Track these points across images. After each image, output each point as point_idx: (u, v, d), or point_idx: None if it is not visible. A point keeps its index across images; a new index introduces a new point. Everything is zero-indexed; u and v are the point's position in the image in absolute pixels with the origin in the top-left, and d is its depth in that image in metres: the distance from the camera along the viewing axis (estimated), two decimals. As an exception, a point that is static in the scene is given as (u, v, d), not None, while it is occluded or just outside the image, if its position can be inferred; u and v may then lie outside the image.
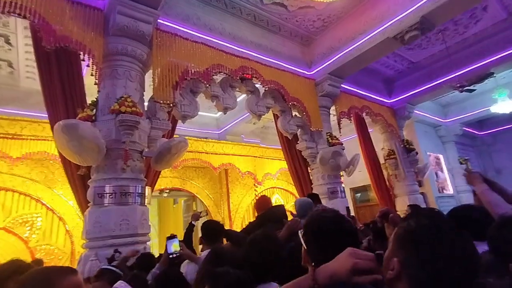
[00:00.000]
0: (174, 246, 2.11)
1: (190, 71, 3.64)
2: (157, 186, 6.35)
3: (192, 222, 2.96)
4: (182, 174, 6.74)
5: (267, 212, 2.87)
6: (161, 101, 3.32)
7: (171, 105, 3.41)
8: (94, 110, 3.03)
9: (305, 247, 1.01)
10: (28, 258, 4.49)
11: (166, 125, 3.46)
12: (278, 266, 1.49)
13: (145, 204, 3.13)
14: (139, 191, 2.97)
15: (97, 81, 2.93)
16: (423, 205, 6.56)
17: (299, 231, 1.08)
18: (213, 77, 4.05)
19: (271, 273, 1.48)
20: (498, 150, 10.50)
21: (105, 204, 2.72)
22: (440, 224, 0.74)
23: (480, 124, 10.24)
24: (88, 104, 3.08)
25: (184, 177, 6.77)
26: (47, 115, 3.21)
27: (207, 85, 3.90)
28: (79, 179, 3.05)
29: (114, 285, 1.58)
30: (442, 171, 8.36)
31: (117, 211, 2.71)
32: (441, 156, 8.53)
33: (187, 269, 2.18)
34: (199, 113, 7.14)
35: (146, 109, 3.42)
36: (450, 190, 8.22)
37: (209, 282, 1.28)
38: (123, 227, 2.68)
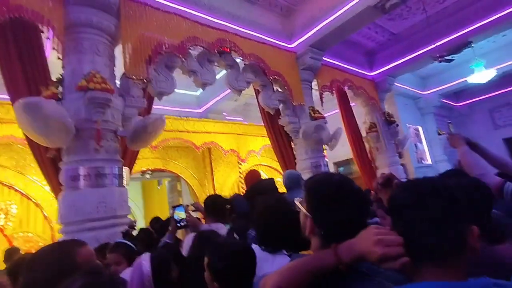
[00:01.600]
0: (180, 214, 2.26)
1: (164, 45, 3.42)
2: (138, 168, 6.21)
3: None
4: (164, 154, 6.59)
5: (255, 185, 2.83)
6: (134, 77, 3.12)
7: (145, 81, 3.22)
8: (60, 88, 2.82)
9: (310, 216, 0.90)
10: (5, 247, 4.34)
11: (141, 103, 3.27)
12: (291, 234, 1.38)
13: (124, 185, 3.02)
14: (116, 172, 2.85)
15: (60, 56, 2.70)
16: (403, 176, 6.78)
17: (296, 199, 0.99)
18: (190, 51, 3.85)
19: (284, 242, 1.41)
20: (474, 120, 10.87)
21: (79, 187, 2.59)
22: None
23: (456, 95, 10.50)
24: (52, 82, 2.84)
25: (166, 157, 6.62)
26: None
27: (183, 60, 3.70)
28: (49, 162, 2.88)
29: (141, 256, 1.57)
30: (421, 142, 8.60)
31: (93, 193, 2.60)
32: (420, 128, 8.74)
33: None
34: (179, 91, 7.04)
35: (118, 86, 3.22)
36: (428, 160, 8.51)
37: (209, 254, 1.25)
38: (100, 209, 2.58)
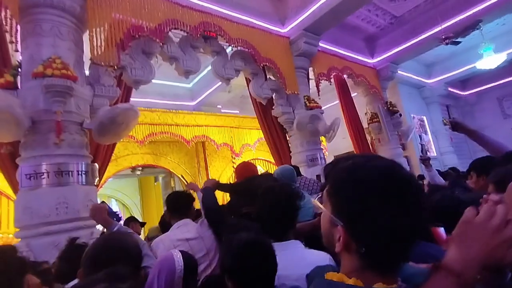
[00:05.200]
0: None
1: (138, 28, 3.10)
2: (127, 164, 5.95)
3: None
4: (155, 149, 6.30)
5: (247, 183, 2.48)
6: (103, 64, 2.81)
7: (116, 67, 2.90)
8: (18, 76, 2.52)
9: (341, 224, 0.57)
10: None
11: (113, 92, 2.96)
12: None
13: (94, 183, 2.73)
14: (83, 169, 2.55)
15: (13, 39, 2.39)
16: (407, 169, 6.42)
17: (313, 198, 0.74)
18: (170, 36, 3.53)
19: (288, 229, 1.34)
20: (481, 109, 10.41)
21: (37, 186, 2.30)
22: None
23: (463, 84, 10.04)
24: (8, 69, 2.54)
25: (157, 152, 6.34)
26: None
27: (162, 45, 3.38)
28: (7, 158, 2.59)
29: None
30: (426, 133, 8.20)
31: (52, 193, 2.30)
32: (424, 118, 8.34)
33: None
34: (170, 83, 6.74)
35: (87, 74, 2.91)
36: (434, 152, 8.12)
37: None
38: (60, 211, 2.29)
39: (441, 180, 3.19)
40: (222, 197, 5.64)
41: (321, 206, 0.65)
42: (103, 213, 1.67)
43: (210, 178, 6.87)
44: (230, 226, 1.67)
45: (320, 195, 0.70)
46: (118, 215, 1.79)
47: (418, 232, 0.57)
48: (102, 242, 1.16)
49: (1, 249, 1.43)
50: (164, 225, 2.85)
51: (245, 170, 2.51)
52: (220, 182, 2.32)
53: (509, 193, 0.77)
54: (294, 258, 1.16)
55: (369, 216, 0.54)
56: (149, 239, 3.09)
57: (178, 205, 2.01)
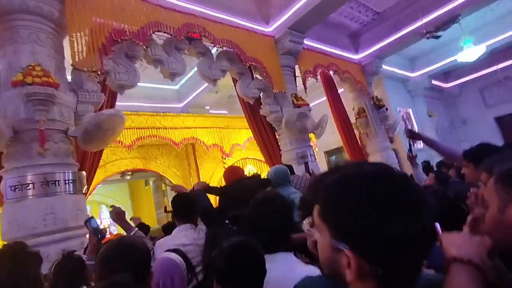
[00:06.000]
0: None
1: (120, 32, 3.05)
2: (116, 169, 5.86)
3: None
4: (144, 153, 6.23)
5: (230, 185, 2.48)
6: (85, 69, 2.75)
7: (99, 72, 2.85)
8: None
9: (348, 247, 0.50)
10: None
11: (98, 98, 2.91)
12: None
13: (82, 191, 2.69)
14: (69, 178, 2.50)
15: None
16: (396, 162, 6.54)
17: (304, 223, 0.62)
18: (154, 38, 3.49)
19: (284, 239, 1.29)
20: (464, 101, 10.67)
21: (22, 198, 2.24)
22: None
23: (445, 76, 10.26)
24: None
25: (146, 156, 6.26)
26: None
27: (146, 48, 3.34)
28: (-9, 171, 2.52)
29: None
30: (412, 126, 8.36)
31: (38, 204, 2.25)
32: (410, 111, 8.50)
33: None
34: (156, 86, 6.65)
35: (70, 80, 2.85)
36: (420, 144, 8.26)
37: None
38: (48, 222, 2.24)
39: (424, 177, 3.18)
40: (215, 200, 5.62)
41: (315, 233, 0.56)
42: (124, 218, 1.98)
43: (201, 179, 6.85)
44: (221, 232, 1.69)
45: (308, 219, 0.60)
46: (102, 232, 1.77)
47: (433, 233, 0.53)
48: (116, 242, 1.17)
49: (12, 246, 1.44)
50: (168, 228, 2.89)
51: (232, 174, 2.50)
52: (210, 185, 2.32)
53: (488, 188, 0.80)
54: (286, 270, 1.13)
55: (380, 228, 0.47)
56: (152, 238, 3.12)
57: (181, 208, 1.99)
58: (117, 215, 1.94)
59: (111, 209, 1.97)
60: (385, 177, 0.52)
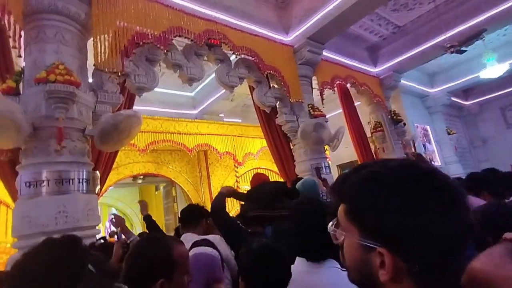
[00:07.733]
0: None
1: (143, 36, 3.08)
2: (129, 172, 5.87)
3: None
4: (156, 158, 6.23)
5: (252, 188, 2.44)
6: (106, 70, 2.78)
7: (119, 74, 2.87)
8: (21, 82, 2.48)
9: (380, 245, 0.48)
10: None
11: (116, 99, 2.92)
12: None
13: (95, 191, 2.66)
14: (84, 177, 2.49)
15: (16, 45, 2.37)
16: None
17: (329, 227, 0.59)
18: (176, 44, 3.52)
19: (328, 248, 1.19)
20: (484, 119, 10.36)
21: (36, 194, 2.23)
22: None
23: (465, 93, 10.02)
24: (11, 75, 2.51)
25: (159, 161, 6.27)
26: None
27: (166, 52, 3.36)
28: (7, 165, 2.53)
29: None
30: (430, 142, 8.14)
31: (51, 201, 2.23)
32: (428, 127, 8.29)
33: None
34: (173, 92, 6.72)
35: (91, 80, 2.88)
36: (438, 161, 8.03)
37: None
38: (60, 220, 2.21)
39: None
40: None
41: (343, 233, 0.53)
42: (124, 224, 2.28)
43: (212, 187, 6.80)
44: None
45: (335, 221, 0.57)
46: (129, 246, 1.80)
47: (471, 223, 0.49)
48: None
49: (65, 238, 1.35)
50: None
51: (257, 180, 2.52)
52: (235, 190, 2.34)
53: None
54: (330, 280, 1.09)
55: (417, 223, 0.45)
56: None
57: (186, 218, 1.98)
58: (118, 221, 2.35)
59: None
60: (416, 170, 0.50)
